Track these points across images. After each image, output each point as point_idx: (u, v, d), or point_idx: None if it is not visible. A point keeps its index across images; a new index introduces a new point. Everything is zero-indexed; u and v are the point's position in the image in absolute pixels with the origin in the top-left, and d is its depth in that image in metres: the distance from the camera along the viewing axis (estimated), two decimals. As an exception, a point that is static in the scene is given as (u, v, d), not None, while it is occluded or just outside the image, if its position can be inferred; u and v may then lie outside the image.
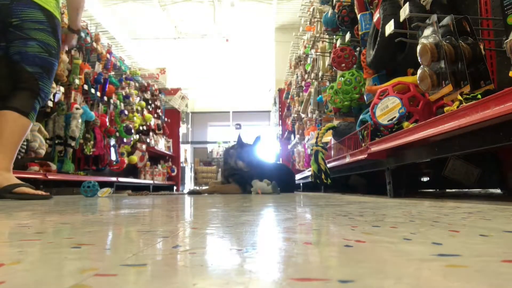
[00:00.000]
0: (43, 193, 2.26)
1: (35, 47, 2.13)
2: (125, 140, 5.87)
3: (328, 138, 3.19)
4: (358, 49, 2.74)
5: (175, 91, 8.56)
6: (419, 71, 1.39)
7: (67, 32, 2.49)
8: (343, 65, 2.79)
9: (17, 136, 2.12)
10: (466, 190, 2.52)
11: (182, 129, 10.22)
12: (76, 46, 4.40)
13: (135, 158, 6.28)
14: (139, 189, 5.80)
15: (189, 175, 12.34)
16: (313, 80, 4.28)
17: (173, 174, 8.66)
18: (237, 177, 3.81)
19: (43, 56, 2.17)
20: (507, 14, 1.13)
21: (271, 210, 1.12)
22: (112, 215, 1.00)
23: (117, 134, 5.54)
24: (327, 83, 3.70)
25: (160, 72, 8.06)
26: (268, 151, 9.93)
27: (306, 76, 5.06)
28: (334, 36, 3.31)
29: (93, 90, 4.70)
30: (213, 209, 1.18)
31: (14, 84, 2.15)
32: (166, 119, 8.28)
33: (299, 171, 5.16)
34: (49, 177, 3.69)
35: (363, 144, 2.16)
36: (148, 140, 6.98)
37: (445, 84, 1.28)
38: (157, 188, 7.50)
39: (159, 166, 7.89)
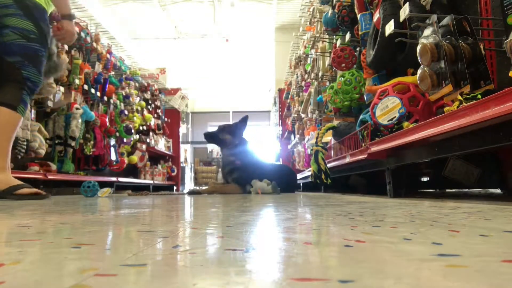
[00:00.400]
0: (41, 192, 2.22)
1: (10, 35, 2.00)
2: (125, 140, 5.87)
3: (328, 138, 3.19)
4: (358, 49, 2.74)
5: (175, 91, 8.56)
6: (419, 71, 1.39)
7: (61, 21, 2.27)
8: (343, 65, 2.79)
9: (8, 133, 2.03)
10: (466, 190, 2.52)
11: (182, 129, 10.22)
12: (76, 45, 4.40)
13: (135, 158, 6.28)
14: (139, 189, 5.80)
15: (189, 175, 12.34)
16: (313, 80, 4.28)
17: (173, 174, 8.66)
18: (235, 176, 3.81)
19: (20, 42, 2.02)
20: (507, 14, 1.13)
21: (271, 210, 1.12)
22: (112, 215, 1.00)
23: (117, 134, 5.54)
24: (327, 83, 3.70)
25: (160, 72, 8.06)
26: (268, 151, 9.94)
27: (306, 76, 5.06)
28: (334, 36, 3.31)
29: (93, 90, 4.70)
30: (213, 209, 1.19)
31: (5, 75, 2.05)
32: (166, 119, 8.28)
33: (299, 171, 5.16)
34: (49, 177, 3.69)
35: (363, 144, 2.16)
36: (148, 140, 6.98)
37: (445, 84, 1.28)
38: (157, 188, 7.50)
39: (159, 166, 7.89)
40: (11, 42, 2.00)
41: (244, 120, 4.11)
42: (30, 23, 2.05)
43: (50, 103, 3.84)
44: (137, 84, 6.63)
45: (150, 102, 7.28)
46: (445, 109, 1.34)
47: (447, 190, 2.62)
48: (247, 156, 4.02)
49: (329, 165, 2.92)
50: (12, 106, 2.01)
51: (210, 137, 4.17)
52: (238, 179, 3.78)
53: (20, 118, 2.08)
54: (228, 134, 4.03)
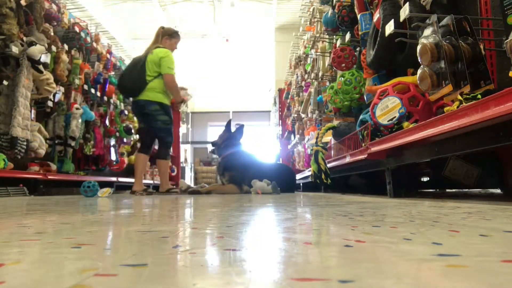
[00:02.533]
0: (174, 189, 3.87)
1: (161, 125, 3.75)
2: (125, 140, 5.86)
3: (328, 138, 3.19)
4: (358, 49, 2.73)
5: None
6: (419, 71, 1.39)
7: (177, 105, 4.02)
8: (343, 65, 2.79)
9: (168, 172, 4.08)
10: (466, 190, 2.52)
11: (182, 129, 10.21)
12: (76, 45, 4.40)
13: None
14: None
15: (189, 175, 12.35)
16: (313, 80, 4.28)
17: (173, 174, 8.65)
18: (229, 177, 3.87)
19: (165, 127, 3.80)
20: (507, 14, 1.13)
21: (271, 210, 1.12)
22: (112, 215, 1.00)
23: (117, 134, 5.54)
24: (327, 83, 3.70)
25: (160, 72, 8.03)
26: (268, 151, 9.93)
27: (306, 76, 5.06)
28: (334, 36, 3.31)
29: (93, 90, 4.70)
30: (213, 209, 1.19)
31: (159, 142, 3.89)
32: (166, 119, 8.26)
33: (299, 171, 5.16)
34: (49, 177, 3.69)
35: (363, 144, 2.16)
36: (148, 140, 6.96)
37: (445, 84, 1.28)
38: (157, 188, 7.48)
39: (159, 166, 7.87)
40: (161, 128, 3.77)
41: (240, 128, 4.37)
42: (167, 117, 3.79)
43: (50, 103, 3.85)
44: (137, 84, 6.60)
45: (150, 102, 7.25)
46: (445, 109, 1.34)
47: (447, 190, 2.62)
48: (240, 157, 4.13)
49: (329, 165, 2.92)
50: (166, 158, 3.90)
51: (213, 145, 4.49)
52: (232, 178, 3.83)
53: (169, 162, 4.04)
54: (222, 140, 4.31)
